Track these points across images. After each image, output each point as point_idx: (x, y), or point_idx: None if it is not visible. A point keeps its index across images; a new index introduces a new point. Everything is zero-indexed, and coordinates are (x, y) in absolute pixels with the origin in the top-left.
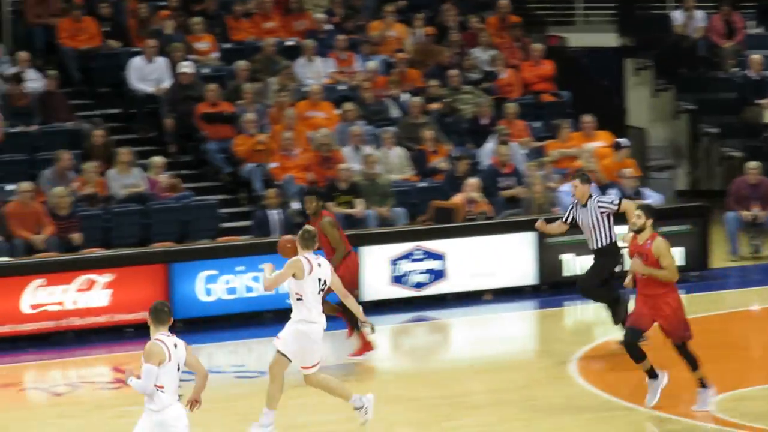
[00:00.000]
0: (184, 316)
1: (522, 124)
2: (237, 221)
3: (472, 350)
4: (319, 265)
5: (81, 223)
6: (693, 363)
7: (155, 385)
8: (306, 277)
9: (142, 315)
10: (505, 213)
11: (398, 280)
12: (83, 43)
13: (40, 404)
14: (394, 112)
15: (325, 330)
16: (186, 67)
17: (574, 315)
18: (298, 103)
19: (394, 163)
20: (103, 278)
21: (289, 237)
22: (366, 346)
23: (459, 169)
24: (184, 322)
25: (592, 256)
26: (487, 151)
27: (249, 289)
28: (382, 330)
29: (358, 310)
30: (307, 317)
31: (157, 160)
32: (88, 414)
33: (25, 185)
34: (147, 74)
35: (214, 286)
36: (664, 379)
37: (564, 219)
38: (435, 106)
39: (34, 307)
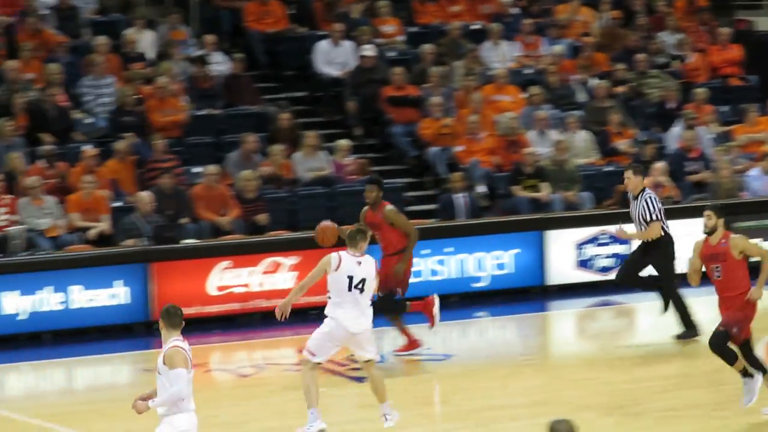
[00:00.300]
0: None
1: (709, 108)
2: (422, 205)
3: (659, 335)
4: (358, 264)
5: (267, 205)
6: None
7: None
8: (333, 273)
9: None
10: (691, 197)
11: (584, 264)
12: (270, 26)
13: (226, 385)
14: (581, 96)
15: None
16: (368, 50)
17: (765, 300)
18: (484, 86)
19: (579, 146)
20: (288, 261)
21: (328, 223)
22: (413, 344)
23: (645, 153)
24: None
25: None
26: (674, 135)
27: (434, 273)
28: (568, 314)
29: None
30: (332, 314)
31: (343, 143)
32: (274, 395)
33: (212, 168)
34: (333, 58)
35: None
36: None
37: None
38: (621, 89)
39: (220, 288)
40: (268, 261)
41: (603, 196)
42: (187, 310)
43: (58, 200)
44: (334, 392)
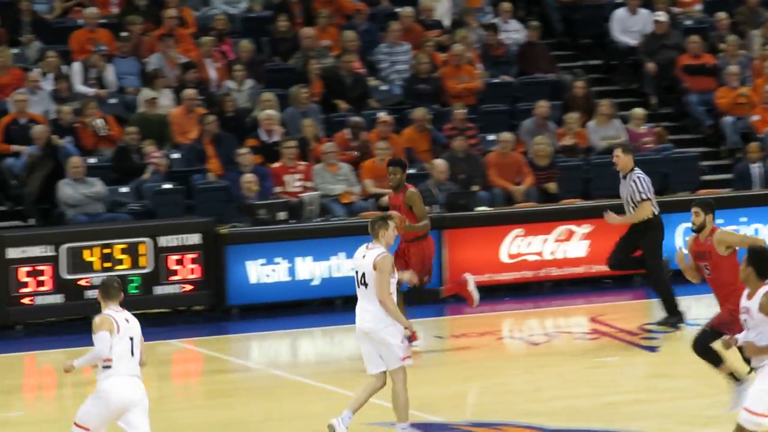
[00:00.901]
0: None
1: None
2: (717, 174)
3: None
4: (363, 257)
5: (560, 173)
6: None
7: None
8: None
9: None
10: None
11: None
12: None
13: (517, 353)
14: None
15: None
16: (661, 15)
17: None
18: None
19: None
20: (581, 229)
21: None
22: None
23: None
24: None
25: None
26: None
27: None
28: None
29: (399, 317)
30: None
31: (638, 111)
32: (564, 363)
33: (506, 135)
34: (630, 26)
35: None
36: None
37: None
38: None
39: (512, 256)
40: (561, 229)
41: None
42: (479, 278)
43: (352, 167)
44: (625, 361)
